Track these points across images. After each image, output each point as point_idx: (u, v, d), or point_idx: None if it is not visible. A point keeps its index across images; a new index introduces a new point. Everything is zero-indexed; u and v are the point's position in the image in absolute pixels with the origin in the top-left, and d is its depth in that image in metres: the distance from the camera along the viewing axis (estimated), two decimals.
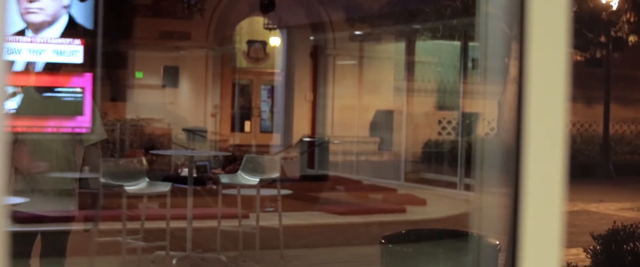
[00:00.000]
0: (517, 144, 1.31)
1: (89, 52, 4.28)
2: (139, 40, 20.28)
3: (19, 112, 4.32)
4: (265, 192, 9.38)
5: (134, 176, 8.06)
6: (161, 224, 8.43)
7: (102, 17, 4.38)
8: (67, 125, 4.54)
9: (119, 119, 17.84)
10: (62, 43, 4.29)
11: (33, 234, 5.08)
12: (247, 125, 23.22)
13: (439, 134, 21.20)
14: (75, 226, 5.28)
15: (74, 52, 4.26)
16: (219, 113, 21.61)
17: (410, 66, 20.87)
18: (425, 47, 21.38)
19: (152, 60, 20.70)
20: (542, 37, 1.29)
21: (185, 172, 12.70)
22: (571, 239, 8.83)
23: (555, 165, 1.31)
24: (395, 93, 21.19)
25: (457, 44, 19.42)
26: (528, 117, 1.29)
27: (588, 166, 19.79)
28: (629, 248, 6.80)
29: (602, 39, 18.65)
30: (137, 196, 8.29)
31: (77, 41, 4.29)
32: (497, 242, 4.50)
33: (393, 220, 12.30)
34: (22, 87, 4.25)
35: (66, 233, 5.23)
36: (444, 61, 21.76)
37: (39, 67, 4.38)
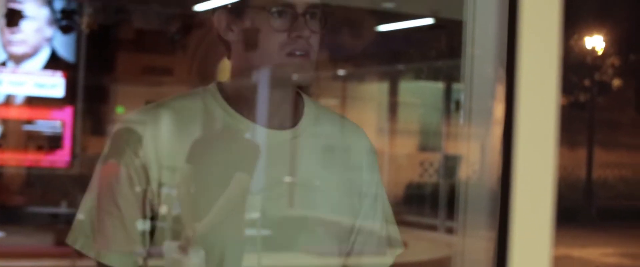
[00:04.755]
0: (503, 187, 1.27)
1: (70, 85, 4.23)
2: (121, 74, 20.22)
3: None
4: None
5: None
6: None
7: (84, 50, 4.34)
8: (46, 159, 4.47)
9: (100, 154, 17.72)
10: (43, 75, 4.25)
11: None
12: None
13: (421, 175, 21.16)
14: None
15: (55, 85, 4.23)
16: None
17: (392, 107, 20.88)
18: (409, 88, 21.41)
19: (133, 95, 20.65)
20: (532, 81, 1.26)
21: None
22: None
23: (544, 210, 1.27)
24: (377, 134, 21.18)
25: (440, 85, 19.47)
26: (516, 161, 1.26)
27: (570, 210, 19.79)
28: None
29: (586, 82, 18.74)
30: None
31: (59, 73, 4.26)
32: None
33: (373, 262, 12.22)
34: None
35: None
36: (426, 102, 21.78)
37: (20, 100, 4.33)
